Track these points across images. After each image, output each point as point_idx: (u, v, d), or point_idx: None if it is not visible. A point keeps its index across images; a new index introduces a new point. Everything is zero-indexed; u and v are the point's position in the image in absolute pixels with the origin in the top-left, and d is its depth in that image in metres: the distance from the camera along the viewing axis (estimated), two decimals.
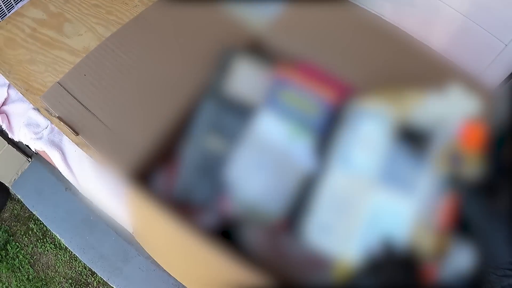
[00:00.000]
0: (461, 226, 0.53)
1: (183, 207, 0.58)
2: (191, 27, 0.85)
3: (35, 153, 1.84)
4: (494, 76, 1.29)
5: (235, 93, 0.62)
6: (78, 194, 1.60)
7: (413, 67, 0.76)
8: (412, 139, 0.55)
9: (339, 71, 0.65)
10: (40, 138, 1.25)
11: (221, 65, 0.64)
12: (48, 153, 1.23)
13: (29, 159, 1.78)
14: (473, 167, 0.53)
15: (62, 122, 0.71)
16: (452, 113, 0.55)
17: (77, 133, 0.69)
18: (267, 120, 0.59)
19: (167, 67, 0.77)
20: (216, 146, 0.59)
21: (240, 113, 0.60)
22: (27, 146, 1.33)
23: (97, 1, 1.48)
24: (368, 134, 0.57)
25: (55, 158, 1.22)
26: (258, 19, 0.80)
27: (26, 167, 1.78)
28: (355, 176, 0.55)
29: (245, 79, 0.63)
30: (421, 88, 0.59)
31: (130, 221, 0.96)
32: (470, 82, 0.76)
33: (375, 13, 1.43)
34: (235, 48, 0.67)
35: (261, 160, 0.58)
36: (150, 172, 0.63)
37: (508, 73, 1.26)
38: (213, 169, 0.58)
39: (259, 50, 0.70)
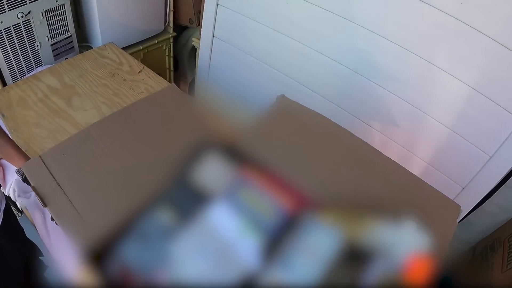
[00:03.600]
0: None
1: (123, 274, 0.61)
2: (172, 121, 0.94)
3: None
4: (479, 188, 1.30)
5: (199, 180, 0.69)
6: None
7: (378, 191, 0.82)
8: (355, 258, 0.60)
9: (303, 183, 0.69)
10: (28, 198, 1.33)
11: (193, 156, 0.72)
12: (31, 214, 1.30)
13: (20, 214, 1.84)
14: None
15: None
16: (398, 246, 0.60)
17: (45, 205, 0.76)
18: (221, 211, 0.65)
19: (141, 157, 0.85)
20: (167, 220, 0.64)
21: (198, 198, 0.66)
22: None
23: (107, 82, 1.64)
24: (314, 245, 0.61)
25: (36, 220, 1.28)
26: (240, 121, 0.89)
27: None
28: (293, 279, 0.59)
29: (212, 171, 0.70)
30: (378, 215, 0.63)
31: None
32: (434, 214, 0.80)
33: (366, 124, 1.50)
34: (210, 143, 0.75)
35: (206, 245, 0.62)
36: (106, 252, 0.67)
37: (493, 185, 1.28)
38: (159, 241, 0.62)
39: (232, 149, 0.78)
